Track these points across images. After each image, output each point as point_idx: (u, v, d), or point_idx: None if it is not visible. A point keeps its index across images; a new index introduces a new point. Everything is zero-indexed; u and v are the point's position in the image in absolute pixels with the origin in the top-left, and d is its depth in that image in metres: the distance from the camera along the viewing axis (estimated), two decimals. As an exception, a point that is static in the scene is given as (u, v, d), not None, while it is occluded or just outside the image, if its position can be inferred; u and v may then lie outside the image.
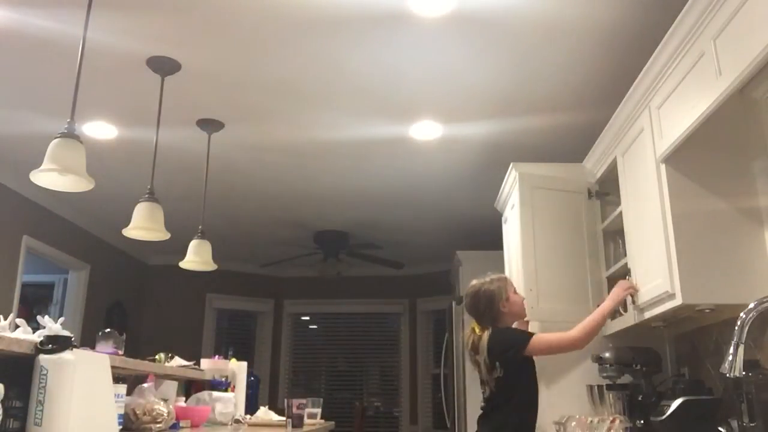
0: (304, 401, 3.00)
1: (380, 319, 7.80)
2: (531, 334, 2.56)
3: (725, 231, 2.33)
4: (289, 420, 2.90)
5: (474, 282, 2.71)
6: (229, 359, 3.51)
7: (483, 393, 2.65)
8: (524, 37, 2.93)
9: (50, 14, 2.79)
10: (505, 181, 3.81)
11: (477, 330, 2.64)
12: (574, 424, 2.72)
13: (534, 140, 4.02)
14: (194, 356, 3.61)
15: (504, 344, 2.54)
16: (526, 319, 3.10)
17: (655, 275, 2.49)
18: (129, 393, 2.26)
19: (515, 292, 2.69)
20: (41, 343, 1.68)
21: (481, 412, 2.67)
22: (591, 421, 2.65)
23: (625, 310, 2.93)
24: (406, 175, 4.70)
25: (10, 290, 4.76)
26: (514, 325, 2.79)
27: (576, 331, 2.53)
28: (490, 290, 2.62)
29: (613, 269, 3.14)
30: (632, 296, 2.73)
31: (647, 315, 2.63)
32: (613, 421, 2.58)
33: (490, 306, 2.61)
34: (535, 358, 2.61)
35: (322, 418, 3.51)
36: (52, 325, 1.80)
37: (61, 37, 2.93)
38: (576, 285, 3.25)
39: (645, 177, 2.62)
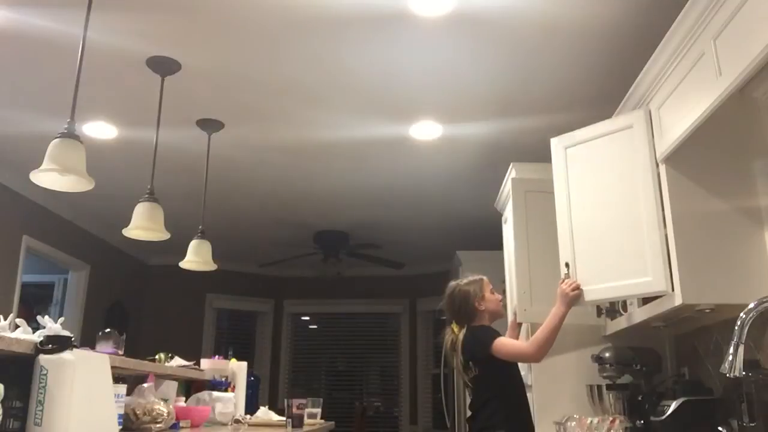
0: (304, 401, 3.00)
1: (380, 319, 7.80)
2: (497, 335, 2.56)
3: (725, 231, 2.33)
4: (289, 420, 2.90)
5: (451, 283, 2.80)
6: (229, 359, 3.51)
7: (469, 395, 2.68)
8: (524, 37, 2.93)
9: (50, 14, 2.79)
10: (504, 181, 3.81)
11: (455, 330, 2.70)
12: (573, 424, 2.72)
13: (534, 140, 4.01)
14: (194, 356, 3.61)
15: (474, 342, 2.60)
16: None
17: (655, 275, 2.49)
18: (129, 393, 2.26)
19: (492, 292, 2.74)
20: (41, 343, 1.68)
21: (469, 414, 2.69)
22: (591, 421, 2.65)
23: (625, 310, 2.93)
24: (406, 175, 4.70)
25: (10, 290, 4.76)
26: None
27: (529, 345, 2.51)
28: (465, 290, 2.70)
29: (613, 269, 3.14)
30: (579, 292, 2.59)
31: (647, 315, 2.63)
32: (613, 422, 2.58)
33: (466, 304, 2.68)
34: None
35: (322, 418, 3.51)
36: (52, 325, 1.79)
37: (61, 37, 2.93)
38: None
39: (645, 177, 2.62)
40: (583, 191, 2.72)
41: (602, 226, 2.61)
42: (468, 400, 4.71)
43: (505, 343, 2.55)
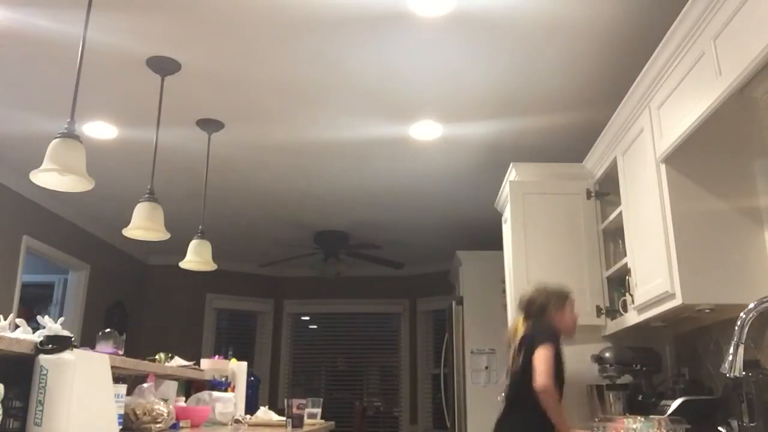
0: (304, 401, 2.99)
1: (380, 319, 7.80)
2: (553, 342, 2.61)
3: (725, 231, 2.33)
4: (289, 420, 2.90)
5: (540, 283, 2.89)
6: (229, 359, 3.51)
7: (507, 382, 2.78)
8: (524, 37, 2.93)
9: (50, 14, 2.79)
10: (504, 181, 3.82)
11: (520, 323, 2.82)
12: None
13: (534, 140, 4.02)
14: (194, 356, 3.60)
15: (533, 334, 2.68)
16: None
17: (655, 275, 2.50)
18: (129, 393, 2.25)
19: (572, 311, 2.81)
20: (41, 343, 1.67)
21: (504, 402, 2.80)
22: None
23: (625, 311, 2.93)
24: (406, 175, 4.70)
25: (10, 290, 4.76)
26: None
27: (549, 385, 2.52)
28: (545, 302, 2.78)
29: (613, 269, 3.15)
30: None
31: (647, 315, 2.63)
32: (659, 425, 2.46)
33: (542, 313, 2.77)
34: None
35: (322, 418, 3.51)
36: (52, 325, 1.79)
37: (61, 37, 2.93)
38: (573, 286, 3.25)
39: (645, 177, 2.62)
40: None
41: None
42: (469, 399, 4.71)
43: (544, 354, 2.57)
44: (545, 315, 2.76)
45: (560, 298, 2.81)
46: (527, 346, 2.66)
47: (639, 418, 2.36)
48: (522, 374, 2.64)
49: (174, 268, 4.30)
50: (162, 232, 3.21)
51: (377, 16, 2.78)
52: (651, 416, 2.40)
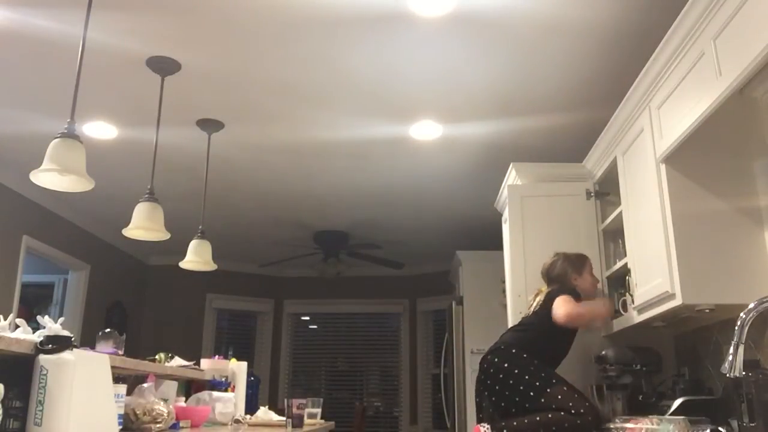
0: (304, 401, 2.99)
1: (380, 319, 7.80)
2: (574, 296, 2.81)
3: (725, 231, 2.33)
4: (289, 420, 2.90)
5: (558, 252, 3.06)
6: (229, 359, 3.51)
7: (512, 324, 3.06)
8: (524, 37, 2.93)
9: (50, 14, 2.79)
10: (504, 181, 3.82)
11: (544, 289, 2.99)
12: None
13: (533, 140, 4.02)
14: (194, 356, 3.60)
15: (556, 290, 2.86)
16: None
17: (655, 275, 2.50)
18: (129, 393, 2.26)
19: (591, 273, 3.03)
20: (41, 343, 1.67)
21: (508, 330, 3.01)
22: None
23: (625, 311, 2.93)
24: (406, 175, 4.70)
25: (10, 290, 4.76)
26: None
27: (571, 314, 2.78)
28: (564, 267, 2.98)
29: (613, 269, 3.15)
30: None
31: (647, 315, 2.63)
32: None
33: (564, 277, 2.96)
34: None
35: (322, 418, 3.51)
36: (52, 325, 1.79)
37: (61, 37, 2.93)
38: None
39: (645, 177, 2.62)
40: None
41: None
42: (469, 399, 4.70)
43: (563, 298, 2.78)
44: (566, 279, 2.95)
45: (578, 261, 3.00)
46: (547, 299, 2.84)
47: (655, 419, 2.36)
48: (534, 318, 2.87)
49: (174, 268, 4.30)
50: (162, 232, 3.21)
51: (377, 16, 2.78)
52: (671, 417, 2.40)
